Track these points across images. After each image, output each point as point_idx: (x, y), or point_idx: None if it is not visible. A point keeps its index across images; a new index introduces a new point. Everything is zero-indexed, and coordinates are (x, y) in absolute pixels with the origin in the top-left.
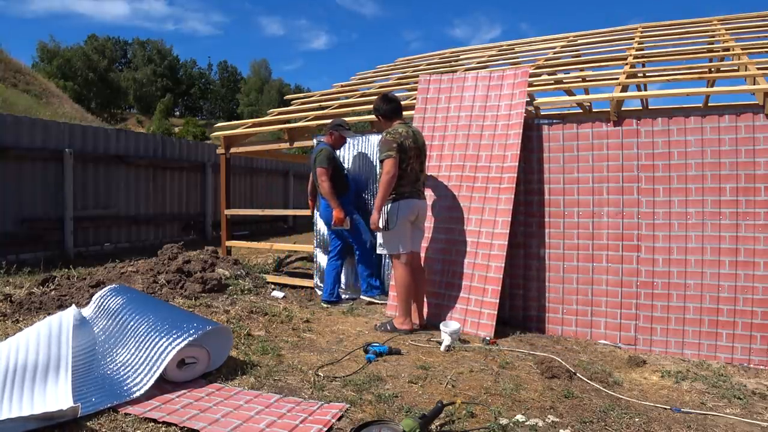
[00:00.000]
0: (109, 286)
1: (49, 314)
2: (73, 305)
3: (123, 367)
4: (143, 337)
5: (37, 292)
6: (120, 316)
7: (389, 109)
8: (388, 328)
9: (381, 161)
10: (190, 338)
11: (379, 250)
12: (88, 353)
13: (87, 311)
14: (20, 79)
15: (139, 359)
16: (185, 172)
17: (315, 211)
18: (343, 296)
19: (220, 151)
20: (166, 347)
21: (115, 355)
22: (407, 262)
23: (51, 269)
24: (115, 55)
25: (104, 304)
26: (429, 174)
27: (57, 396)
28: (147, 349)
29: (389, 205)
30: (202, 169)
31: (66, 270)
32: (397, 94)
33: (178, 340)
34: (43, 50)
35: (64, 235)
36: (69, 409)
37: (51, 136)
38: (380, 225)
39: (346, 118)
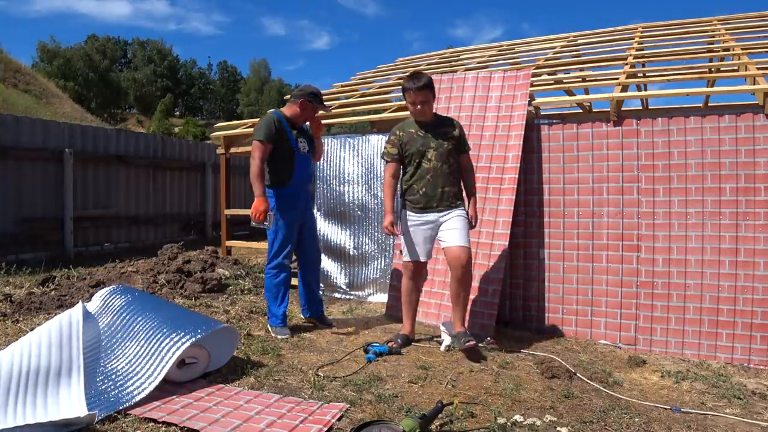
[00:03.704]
0: (113, 285)
1: (48, 314)
2: (80, 302)
3: (126, 367)
4: (146, 338)
5: (37, 292)
6: (124, 315)
7: None
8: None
9: (468, 151)
10: (194, 339)
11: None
12: (94, 350)
13: (91, 306)
14: (20, 79)
15: (142, 361)
16: (185, 172)
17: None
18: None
19: (220, 151)
20: (170, 349)
21: (118, 354)
22: None
23: (51, 269)
24: (115, 55)
25: (109, 301)
26: None
27: (71, 402)
28: (150, 350)
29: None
30: (202, 169)
31: (66, 270)
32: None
33: (180, 342)
34: (43, 50)
35: (64, 235)
36: (86, 416)
37: (51, 136)
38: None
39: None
